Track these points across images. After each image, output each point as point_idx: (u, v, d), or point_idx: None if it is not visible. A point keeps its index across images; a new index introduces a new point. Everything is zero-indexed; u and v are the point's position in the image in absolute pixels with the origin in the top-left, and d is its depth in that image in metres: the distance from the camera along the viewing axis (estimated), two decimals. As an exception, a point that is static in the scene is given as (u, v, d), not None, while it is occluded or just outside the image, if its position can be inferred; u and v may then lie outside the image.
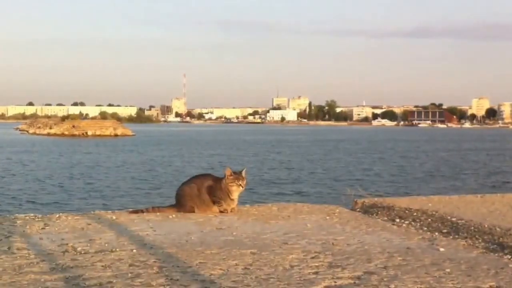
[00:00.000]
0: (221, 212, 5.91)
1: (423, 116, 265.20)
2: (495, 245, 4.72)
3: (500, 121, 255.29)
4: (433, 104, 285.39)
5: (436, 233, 5.20)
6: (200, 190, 5.88)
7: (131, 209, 6.10)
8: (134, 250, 4.34)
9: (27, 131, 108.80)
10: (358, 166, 43.09)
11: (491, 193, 8.77)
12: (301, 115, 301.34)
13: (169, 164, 43.04)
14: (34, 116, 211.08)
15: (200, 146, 70.18)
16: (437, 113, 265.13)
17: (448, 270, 3.94)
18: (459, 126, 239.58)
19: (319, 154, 57.00)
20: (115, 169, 38.92)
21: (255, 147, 68.61)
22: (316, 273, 3.82)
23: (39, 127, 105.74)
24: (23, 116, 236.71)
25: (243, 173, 5.97)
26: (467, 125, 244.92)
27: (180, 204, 5.94)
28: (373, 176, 35.73)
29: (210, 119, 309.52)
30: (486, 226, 5.28)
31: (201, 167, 39.03)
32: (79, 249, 4.37)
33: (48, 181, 31.62)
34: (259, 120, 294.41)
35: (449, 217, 5.69)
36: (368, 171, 39.07)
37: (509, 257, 4.37)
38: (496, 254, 4.47)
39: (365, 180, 31.74)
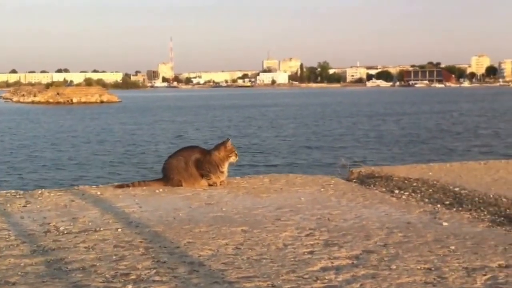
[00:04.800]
0: (210, 185, 5.70)
1: (420, 75, 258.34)
2: (502, 218, 4.49)
3: (500, 79, 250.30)
4: (430, 63, 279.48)
5: (438, 205, 4.96)
6: (187, 163, 5.67)
7: (116, 184, 5.88)
8: (119, 229, 4.13)
9: (11, 99, 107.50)
10: (337, 131, 42.44)
11: (494, 159, 8.50)
12: (292, 77, 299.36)
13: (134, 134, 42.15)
14: (17, 83, 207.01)
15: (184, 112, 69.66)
16: (435, 72, 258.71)
17: (452, 247, 3.72)
18: (457, 85, 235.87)
19: (298, 120, 55.58)
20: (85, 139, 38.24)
21: (241, 113, 68.02)
22: (311, 252, 3.61)
23: (23, 95, 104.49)
24: (7, 84, 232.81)
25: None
26: (466, 84, 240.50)
27: (167, 177, 5.73)
28: (354, 141, 35.13)
29: (198, 83, 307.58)
30: (491, 196, 5.04)
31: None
32: (61, 228, 4.18)
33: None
34: (248, 84, 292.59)
35: (451, 187, 5.45)
36: (347, 136, 38.55)
37: (517, 231, 4.14)
38: (504, 228, 4.24)
39: (351, 147, 31.35)
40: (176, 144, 27.96)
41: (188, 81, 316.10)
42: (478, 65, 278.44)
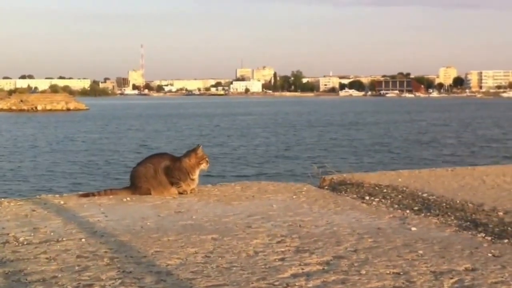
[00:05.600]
0: (180, 193, 5.60)
1: (390, 85, 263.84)
2: (468, 223, 4.53)
3: (467, 90, 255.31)
4: (400, 73, 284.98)
5: (407, 211, 4.98)
6: (156, 170, 5.55)
7: (81, 192, 5.73)
8: (83, 239, 4.01)
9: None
10: (310, 139, 42.56)
11: (461, 166, 8.62)
12: (266, 86, 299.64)
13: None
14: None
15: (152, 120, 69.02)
16: (405, 82, 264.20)
17: (421, 252, 3.73)
18: (426, 95, 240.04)
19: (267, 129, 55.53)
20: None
21: (213, 121, 67.73)
22: (282, 259, 3.57)
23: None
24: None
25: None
26: (434, 94, 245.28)
27: (135, 185, 5.59)
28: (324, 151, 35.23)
29: (170, 91, 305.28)
30: (458, 202, 5.10)
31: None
32: (21, 239, 4.03)
33: None
34: (222, 92, 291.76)
35: (420, 193, 5.50)
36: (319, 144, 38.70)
37: (483, 235, 4.18)
38: (470, 233, 4.27)
39: (322, 156, 31.32)
40: (143, 153, 27.70)
41: (159, 88, 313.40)
42: (445, 76, 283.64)
